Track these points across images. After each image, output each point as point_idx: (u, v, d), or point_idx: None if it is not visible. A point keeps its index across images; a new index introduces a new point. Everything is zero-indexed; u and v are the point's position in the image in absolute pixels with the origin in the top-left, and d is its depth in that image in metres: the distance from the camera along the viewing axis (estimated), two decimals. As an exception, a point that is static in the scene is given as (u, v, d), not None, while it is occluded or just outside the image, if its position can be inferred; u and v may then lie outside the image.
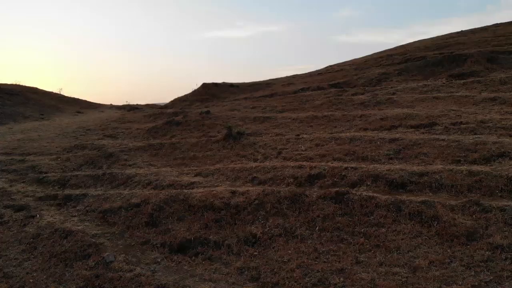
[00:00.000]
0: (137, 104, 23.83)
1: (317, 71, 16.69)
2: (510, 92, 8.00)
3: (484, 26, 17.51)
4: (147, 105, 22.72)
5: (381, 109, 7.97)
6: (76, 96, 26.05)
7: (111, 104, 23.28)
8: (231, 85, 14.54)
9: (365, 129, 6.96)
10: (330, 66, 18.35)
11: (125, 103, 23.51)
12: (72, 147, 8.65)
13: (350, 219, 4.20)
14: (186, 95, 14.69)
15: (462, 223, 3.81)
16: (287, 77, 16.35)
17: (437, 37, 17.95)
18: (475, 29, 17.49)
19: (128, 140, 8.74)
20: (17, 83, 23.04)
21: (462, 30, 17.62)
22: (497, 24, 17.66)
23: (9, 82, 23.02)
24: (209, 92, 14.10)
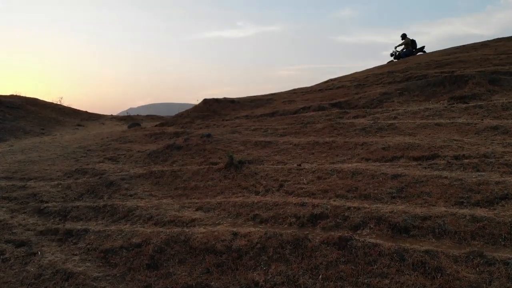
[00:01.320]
0: (137, 115, 23.88)
1: (318, 85, 16.67)
2: (512, 119, 7.99)
3: (485, 41, 17.53)
4: (148, 116, 22.75)
5: (382, 136, 7.95)
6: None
7: (111, 115, 23.28)
8: (232, 101, 14.53)
9: (367, 160, 6.95)
10: (331, 80, 18.36)
11: (125, 114, 23.54)
12: (73, 172, 8.63)
13: (353, 267, 4.18)
14: (187, 111, 14.68)
15: (465, 276, 3.78)
16: (287, 92, 16.34)
17: (438, 51, 17.96)
18: (476, 44, 17.51)
19: (129, 165, 8.72)
20: (17, 94, 23.06)
21: (463, 45, 17.66)
22: (498, 38, 17.68)
23: (8, 93, 23.07)
24: (210, 108, 14.08)
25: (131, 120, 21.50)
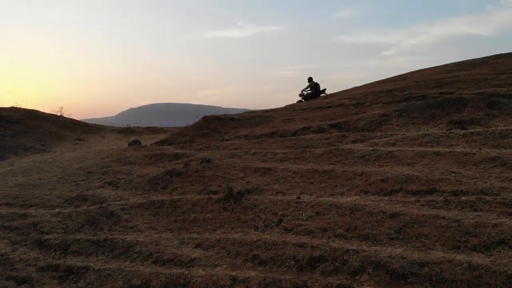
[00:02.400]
0: (137, 126, 23.93)
1: (317, 102, 16.75)
2: (511, 148, 8.05)
3: (485, 58, 17.61)
4: (148, 129, 22.80)
5: (381, 166, 8.01)
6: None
7: (112, 127, 23.35)
8: (232, 119, 14.62)
9: (366, 192, 7.00)
10: (330, 95, 18.49)
11: (125, 126, 23.60)
12: (73, 198, 8.68)
13: (351, 318, 4.23)
14: (187, 128, 14.73)
15: (462, 332, 3.83)
16: (287, 108, 16.39)
17: (437, 67, 18.06)
18: (475, 60, 17.60)
19: (129, 192, 8.77)
20: (17, 106, 23.17)
21: (463, 61, 17.74)
22: (498, 55, 17.78)
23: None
24: (210, 126, 14.15)
25: (131, 133, 21.59)
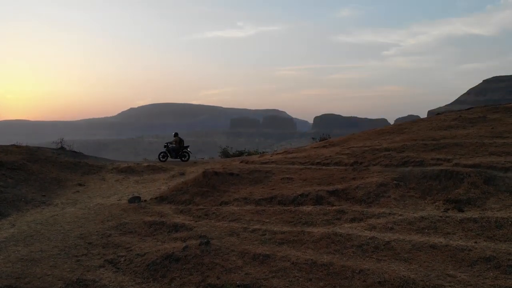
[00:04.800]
0: (137, 164, 24.10)
1: (315, 152, 16.87)
2: (505, 242, 8.21)
3: (483, 110, 17.82)
4: (148, 167, 22.93)
5: (379, 260, 8.13)
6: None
7: (112, 165, 23.45)
8: (231, 174, 14.78)
9: (363, 298, 7.12)
10: (328, 143, 18.69)
11: (126, 165, 23.71)
12: (74, 283, 8.76)
13: None
14: (186, 184, 14.86)
15: None
16: (286, 160, 16.52)
17: (436, 119, 18.23)
18: (473, 114, 17.76)
19: (129, 277, 8.85)
20: (16, 144, 23.39)
21: (461, 115, 17.90)
22: (496, 107, 18.00)
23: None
24: (210, 183, 14.30)
25: (130, 173, 21.76)
